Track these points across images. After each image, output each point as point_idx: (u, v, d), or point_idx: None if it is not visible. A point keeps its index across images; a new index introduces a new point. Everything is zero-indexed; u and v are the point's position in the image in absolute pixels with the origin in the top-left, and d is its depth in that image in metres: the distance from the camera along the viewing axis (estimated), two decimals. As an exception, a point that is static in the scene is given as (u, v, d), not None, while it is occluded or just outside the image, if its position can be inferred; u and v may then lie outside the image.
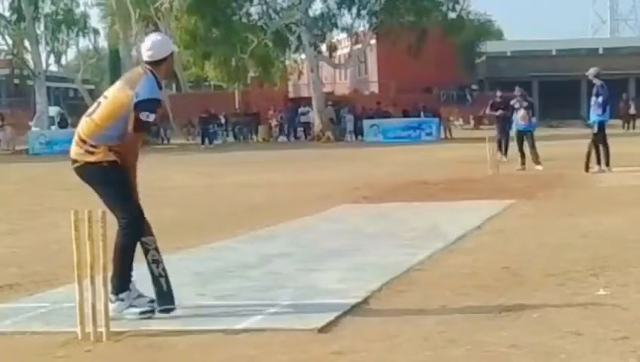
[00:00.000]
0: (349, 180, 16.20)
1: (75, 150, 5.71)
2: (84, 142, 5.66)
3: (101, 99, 5.79)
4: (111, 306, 5.33)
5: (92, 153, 5.64)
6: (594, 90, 16.59)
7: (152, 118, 5.58)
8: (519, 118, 18.62)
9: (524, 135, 18.42)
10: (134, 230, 5.63)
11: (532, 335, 4.94)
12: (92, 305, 5.05)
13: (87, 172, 5.70)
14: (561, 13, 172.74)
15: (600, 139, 16.43)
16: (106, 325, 5.08)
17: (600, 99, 16.31)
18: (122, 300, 5.56)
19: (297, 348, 4.81)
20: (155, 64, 5.77)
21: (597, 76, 16.55)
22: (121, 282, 5.58)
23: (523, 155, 18.15)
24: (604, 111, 16.34)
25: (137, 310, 5.57)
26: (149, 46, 5.83)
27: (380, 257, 7.74)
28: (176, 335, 5.15)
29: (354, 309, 5.67)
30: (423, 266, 7.25)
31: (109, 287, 5.35)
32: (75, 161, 5.72)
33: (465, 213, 10.84)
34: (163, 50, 5.86)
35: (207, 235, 9.47)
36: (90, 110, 5.80)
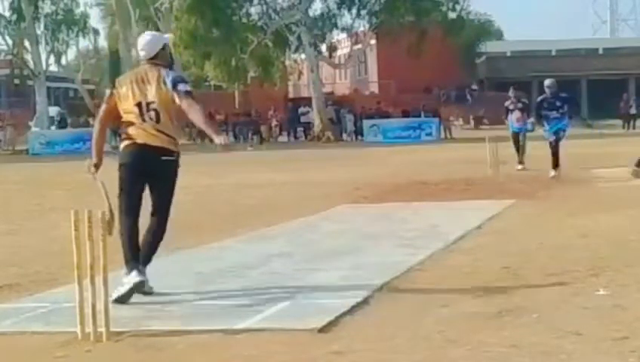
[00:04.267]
0: (349, 180, 16.19)
1: (163, 145, 6.33)
2: (169, 136, 6.35)
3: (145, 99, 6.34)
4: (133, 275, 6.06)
5: (175, 146, 6.42)
6: (556, 103, 15.89)
7: (188, 86, 6.35)
8: (514, 119, 18.66)
9: (519, 135, 18.49)
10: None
11: (532, 335, 4.94)
12: (92, 305, 5.05)
13: (175, 164, 6.47)
14: (561, 13, 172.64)
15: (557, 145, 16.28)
16: (106, 325, 5.08)
17: (565, 107, 16.08)
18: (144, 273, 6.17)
19: (297, 348, 4.81)
20: (152, 59, 6.45)
21: (550, 87, 16.21)
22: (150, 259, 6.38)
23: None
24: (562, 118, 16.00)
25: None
26: (141, 47, 6.50)
27: (380, 257, 7.74)
28: (176, 335, 5.15)
29: (354, 309, 5.67)
30: (423, 266, 7.25)
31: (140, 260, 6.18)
32: (165, 154, 6.35)
33: (465, 213, 10.84)
34: (154, 47, 6.47)
35: (207, 235, 9.47)
36: (146, 115, 6.34)
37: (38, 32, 41.81)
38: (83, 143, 36.84)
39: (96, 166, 6.67)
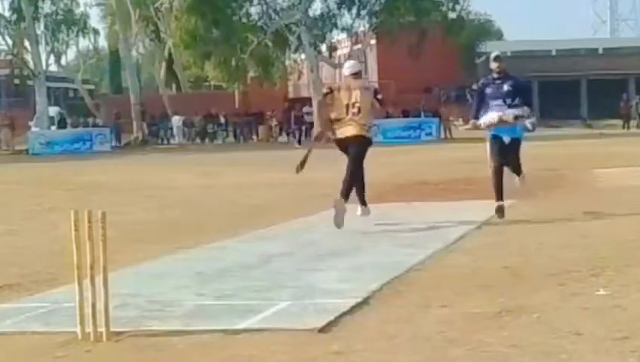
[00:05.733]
0: (349, 180, 16.15)
1: (358, 130, 9.94)
2: (364, 125, 9.95)
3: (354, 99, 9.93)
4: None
5: (367, 131, 10.03)
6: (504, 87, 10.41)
7: (381, 94, 10.60)
8: None
9: None
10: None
11: (532, 335, 4.94)
12: (92, 305, 5.05)
13: (367, 142, 10.09)
14: (561, 13, 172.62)
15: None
16: (106, 325, 5.08)
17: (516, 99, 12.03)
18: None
19: (297, 348, 4.81)
20: (354, 75, 10.35)
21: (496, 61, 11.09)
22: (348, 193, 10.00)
23: None
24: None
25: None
26: (350, 66, 10.59)
27: (380, 257, 7.74)
28: (176, 335, 5.15)
29: (354, 309, 5.67)
30: (423, 266, 7.26)
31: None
32: (357, 137, 9.96)
33: (465, 213, 10.83)
34: (357, 67, 10.75)
35: (207, 235, 9.47)
36: (349, 110, 9.95)
37: (38, 32, 41.79)
38: (83, 143, 36.96)
39: (320, 135, 10.58)
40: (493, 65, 10.27)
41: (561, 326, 5.07)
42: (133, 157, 30.02)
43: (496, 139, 10.19)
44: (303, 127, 39.41)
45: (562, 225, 9.50)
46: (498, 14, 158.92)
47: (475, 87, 10.34)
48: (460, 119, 51.72)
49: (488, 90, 10.22)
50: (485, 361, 4.53)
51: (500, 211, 9.95)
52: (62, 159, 29.23)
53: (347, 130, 10.00)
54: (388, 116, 40.93)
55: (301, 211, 11.49)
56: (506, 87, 10.11)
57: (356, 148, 10.03)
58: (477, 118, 10.35)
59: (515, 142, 10.31)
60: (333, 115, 10.05)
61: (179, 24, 42.39)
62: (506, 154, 10.24)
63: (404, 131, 37.84)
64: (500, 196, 10.11)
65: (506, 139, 10.18)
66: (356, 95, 9.91)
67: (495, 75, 10.26)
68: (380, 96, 10.28)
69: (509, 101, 10.07)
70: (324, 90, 10.43)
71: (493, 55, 10.45)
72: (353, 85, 10.10)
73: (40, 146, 35.94)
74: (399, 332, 5.09)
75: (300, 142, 35.17)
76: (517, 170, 10.67)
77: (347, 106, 9.91)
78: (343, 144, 10.17)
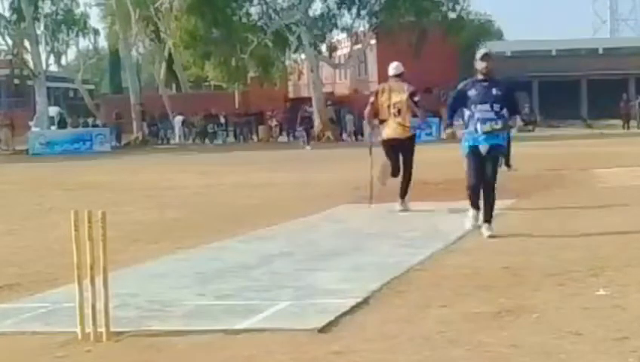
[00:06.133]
0: (349, 180, 16.18)
1: (401, 132, 10.96)
2: (406, 126, 10.91)
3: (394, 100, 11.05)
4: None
5: (409, 131, 10.94)
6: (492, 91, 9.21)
7: (419, 96, 11.09)
8: None
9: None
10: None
11: (532, 335, 4.94)
12: (92, 305, 5.05)
13: (411, 143, 11.08)
14: (561, 13, 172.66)
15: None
16: (106, 325, 5.08)
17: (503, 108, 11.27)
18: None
19: (297, 348, 4.81)
20: (397, 76, 11.15)
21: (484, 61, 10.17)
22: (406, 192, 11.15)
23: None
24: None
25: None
26: (393, 67, 11.27)
27: (380, 257, 7.74)
28: (176, 335, 5.15)
29: (354, 309, 5.67)
30: (423, 266, 7.26)
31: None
32: (400, 140, 10.93)
33: (465, 212, 10.82)
34: (400, 69, 11.24)
35: (207, 235, 9.47)
36: (392, 111, 11.06)
37: (38, 32, 41.80)
38: (83, 143, 36.97)
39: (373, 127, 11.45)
40: (481, 64, 8.92)
41: (561, 326, 5.08)
42: (133, 158, 30.02)
43: (474, 153, 8.90)
44: (310, 128, 38.72)
45: (562, 225, 9.50)
46: (498, 14, 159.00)
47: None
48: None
49: (472, 93, 8.86)
50: (485, 361, 4.53)
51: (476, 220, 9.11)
52: (62, 159, 29.24)
53: (390, 132, 10.98)
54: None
55: (301, 211, 11.49)
56: (495, 91, 8.84)
57: (405, 154, 11.10)
58: (451, 124, 9.43)
59: (495, 151, 8.96)
60: (379, 117, 11.10)
61: (179, 24, 42.39)
62: (484, 170, 8.90)
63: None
64: (477, 205, 9.07)
65: (484, 148, 8.84)
66: (396, 97, 10.93)
67: (481, 77, 8.93)
68: (416, 98, 10.86)
69: (497, 107, 8.82)
70: (371, 98, 11.32)
71: (480, 53, 9.12)
72: (394, 87, 11.03)
73: (40, 146, 35.95)
74: (399, 332, 5.09)
75: (307, 142, 34.74)
76: (490, 198, 8.96)
77: (389, 107, 10.93)
78: (387, 144, 11.12)
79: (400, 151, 11.17)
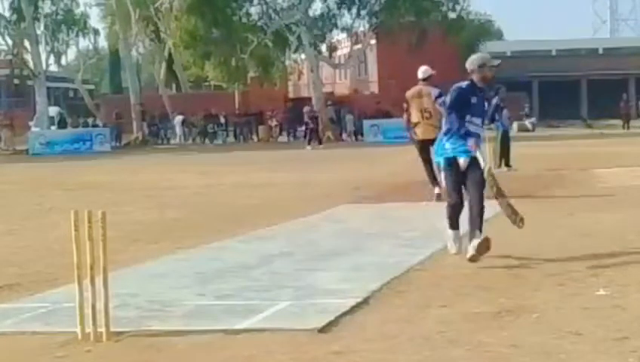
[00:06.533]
0: (349, 180, 16.19)
1: (431, 133, 11.05)
2: (436, 127, 10.87)
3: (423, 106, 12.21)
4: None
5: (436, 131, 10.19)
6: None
7: (444, 99, 9.62)
8: (505, 117, 18.30)
9: (508, 133, 18.60)
10: None
11: (532, 335, 4.94)
12: (92, 305, 5.05)
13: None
14: (561, 13, 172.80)
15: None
16: (106, 325, 5.08)
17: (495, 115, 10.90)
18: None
19: (297, 348, 4.81)
20: (424, 80, 12.18)
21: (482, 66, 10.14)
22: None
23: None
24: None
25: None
26: (422, 71, 12.32)
27: (380, 257, 7.74)
28: (176, 335, 5.15)
29: (354, 309, 5.67)
30: (423, 266, 7.26)
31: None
32: (432, 141, 9.68)
33: (465, 212, 10.81)
34: (428, 72, 12.31)
35: (207, 235, 9.47)
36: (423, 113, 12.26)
37: (38, 32, 41.81)
38: (83, 143, 36.96)
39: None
40: (489, 74, 7.97)
41: (561, 326, 5.08)
42: (133, 158, 30.02)
43: (451, 166, 7.74)
44: (316, 128, 37.71)
45: (562, 224, 9.50)
46: (498, 14, 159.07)
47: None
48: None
49: (473, 101, 7.78)
50: (485, 361, 4.53)
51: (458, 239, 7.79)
52: (62, 159, 29.23)
53: (424, 133, 12.04)
54: (386, 116, 40.75)
55: (301, 211, 11.49)
56: (486, 105, 7.91)
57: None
58: (468, 133, 7.64)
59: (474, 160, 7.65)
60: (412, 120, 12.35)
61: (179, 24, 42.40)
62: (465, 183, 7.79)
63: (404, 131, 37.71)
64: (457, 225, 7.90)
65: (464, 162, 7.68)
66: (425, 101, 12.03)
67: (480, 84, 7.90)
68: (440, 100, 11.23)
69: (487, 121, 8.00)
70: (405, 105, 12.69)
71: (492, 62, 8.15)
72: (423, 91, 12.10)
73: (40, 146, 35.95)
74: (399, 332, 5.09)
75: (309, 142, 34.39)
76: (478, 209, 7.79)
77: (421, 111, 12.14)
78: (421, 144, 12.17)
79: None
